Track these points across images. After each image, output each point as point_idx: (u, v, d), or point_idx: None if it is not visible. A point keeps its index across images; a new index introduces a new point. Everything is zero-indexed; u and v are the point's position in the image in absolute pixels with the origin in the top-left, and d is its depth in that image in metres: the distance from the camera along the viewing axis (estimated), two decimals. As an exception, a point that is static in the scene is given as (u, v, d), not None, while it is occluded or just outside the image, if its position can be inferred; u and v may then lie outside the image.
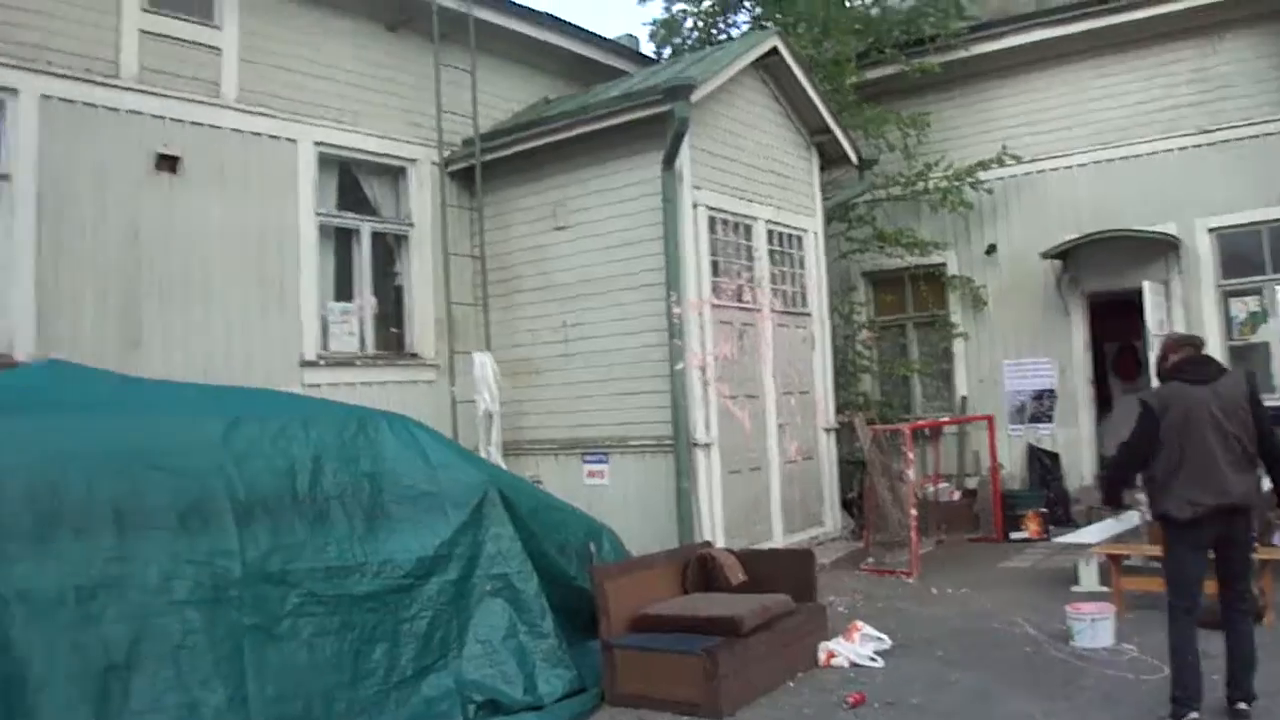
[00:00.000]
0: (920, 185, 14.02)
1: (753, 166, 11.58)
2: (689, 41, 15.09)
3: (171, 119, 9.73)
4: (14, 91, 8.79)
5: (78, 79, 9.15)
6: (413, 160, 11.77)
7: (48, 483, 5.29)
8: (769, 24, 13.37)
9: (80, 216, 9.11)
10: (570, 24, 13.27)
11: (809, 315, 12.31)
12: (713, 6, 15.03)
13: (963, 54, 14.20)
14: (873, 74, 14.48)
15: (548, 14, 12.98)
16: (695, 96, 10.23)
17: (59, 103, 9.01)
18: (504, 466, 10.36)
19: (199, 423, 6.21)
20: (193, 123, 9.89)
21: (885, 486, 11.69)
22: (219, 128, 10.07)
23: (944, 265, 14.68)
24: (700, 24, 15.21)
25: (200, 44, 10.08)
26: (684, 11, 15.19)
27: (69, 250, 9.01)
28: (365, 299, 11.30)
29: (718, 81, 10.75)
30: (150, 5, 9.72)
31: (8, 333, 8.63)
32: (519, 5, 12.72)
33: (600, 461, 10.83)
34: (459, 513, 6.65)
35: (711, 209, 10.83)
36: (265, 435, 6.24)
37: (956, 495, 13.50)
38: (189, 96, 9.89)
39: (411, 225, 11.78)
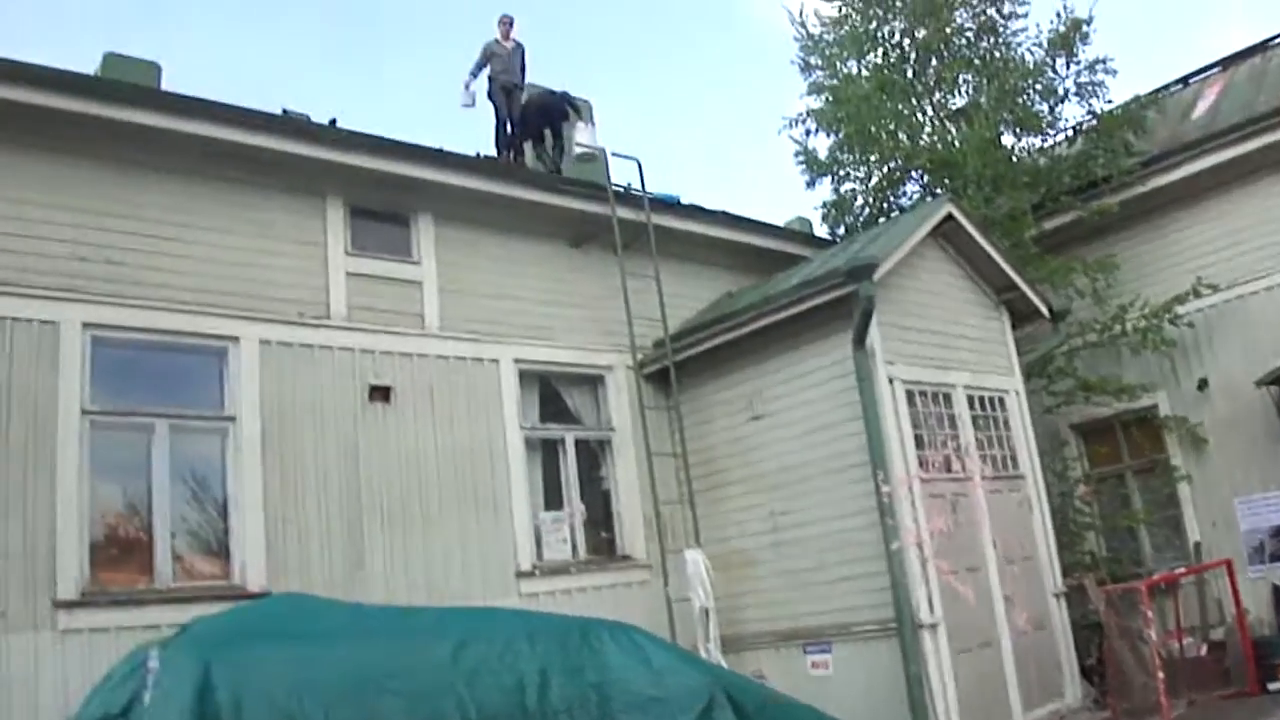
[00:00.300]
0: (1117, 329, 13.55)
1: (943, 334, 11.40)
2: (860, 219, 15.11)
3: (381, 352, 10.13)
4: (235, 339, 9.33)
5: (292, 323, 9.68)
6: (608, 367, 11.92)
7: (288, 714, 5.43)
8: (939, 191, 13.39)
9: (301, 450, 9.44)
10: (744, 218, 13.37)
11: (1021, 478, 11.84)
12: (881, 182, 15.04)
13: (1139, 189, 13.80)
14: (1050, 224, 14.19)
15: (721, 212, 13.12)
16: (878, 274, 10.21)
17: (277, 346, 9.51)
18: (725, 664, 10.07)
19: (427, 644, 6.30)
20: (400, 354, 10.26)
21: (1125, 649, 10.99)
22: (425, 356, 10.44)
23: (1155, 407, 13.96)
24: (870, 200, 15.21)
25: (401, 280, 10.56)
26: (852, 190, 15.24)
27: (293, 482, 9.32)
28: (574, 506, 11.39)
29: (898, 256, 10.74)
30: (353, 249, 10.30)
31: (241, 565, 8.93)
32: (693, 207, 12.94)
33: (823, 651, 10.51)
34: (687, 717, 6.52)
35: (907, 382, 10.67)
36: (492, 653, 6.29)
37: (1203, 650, 12.48)
38: (395, 330, 10.29)
39: (613, 430, 11.88)
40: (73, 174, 8.81)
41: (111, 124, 8.81)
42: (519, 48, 13.63)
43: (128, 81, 9.39)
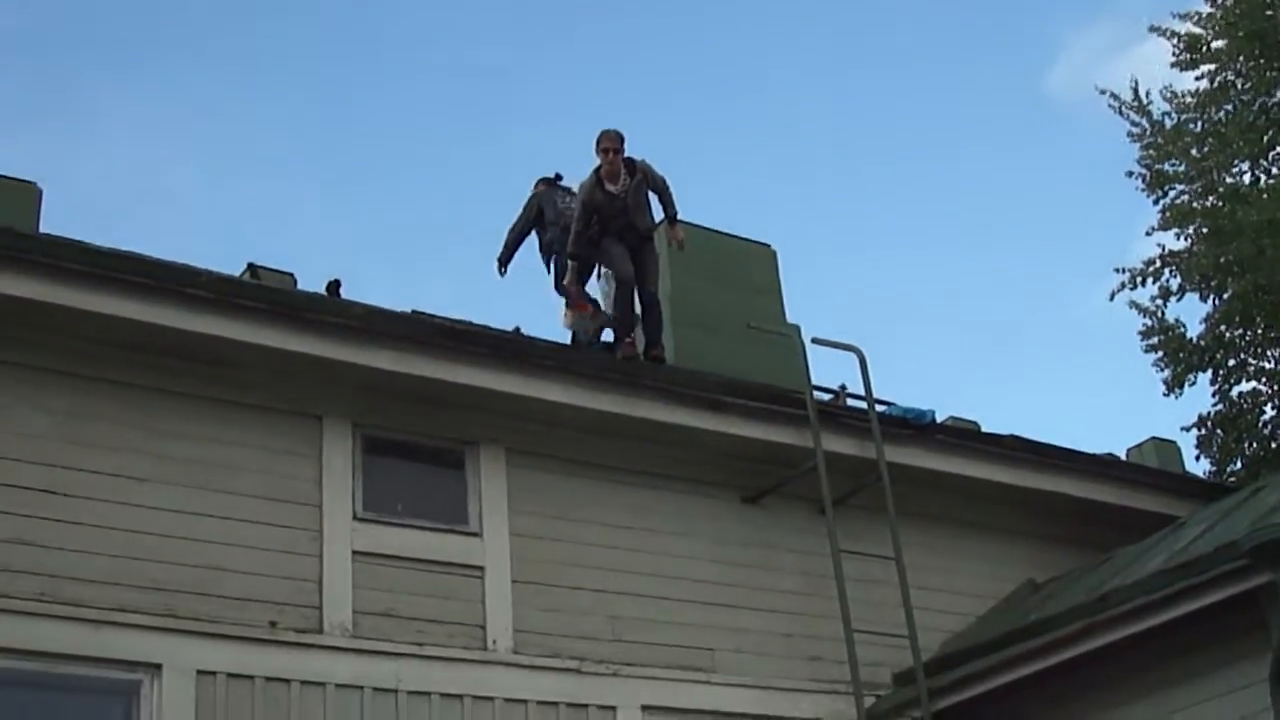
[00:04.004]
0: None
1: None
2: (1273, 444, 13.97)
3: (409, 692, 9.18)
4: (155, 667, 8.46)
5: (258, 640, 8.77)
6: (815, 721, 11.01)
7: None
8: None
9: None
10: (1052, 448, 12.22)
11: None
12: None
13: None
14: None
15: (1011, 438, 12.09)
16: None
17: (226, 680, 8.60)
18: None
19: None
20: (444, 695, 9.31)
21: None
22: (488, 699, 9.39)
23: None
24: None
25: (448, 564, 9.75)
26: (1254, 395, 14.14)
27: None
28: None
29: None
30: (366, 511, 9.52)
31: None
32: (960, 431, 12.33)
33: None
34: None
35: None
36: None
37: None
38: (436, 652, 9.33)
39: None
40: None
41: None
42: (632, 175, 12.00)
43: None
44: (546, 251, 12.86)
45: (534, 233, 13.02)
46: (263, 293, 9.57)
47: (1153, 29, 15.93)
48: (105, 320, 8.62)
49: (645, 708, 9.99)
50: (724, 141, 39.45)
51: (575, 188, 12.62)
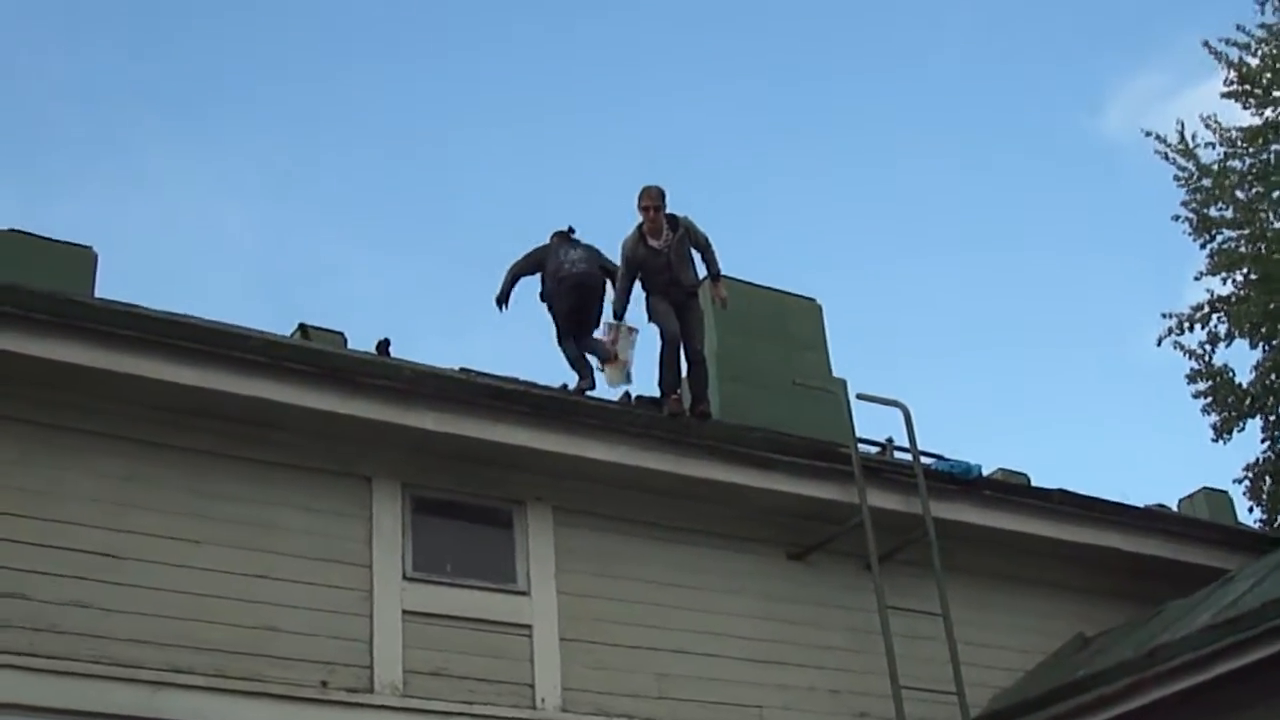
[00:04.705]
0: None
1: None
2: None
3: None
4: None
5: (309, 700, 8.87)
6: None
7: None
8: None
9: None
10: (1100, 501, 12.12)
11: None
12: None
13: None
14: None
15: (1059, 492, 11.97)
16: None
17: None
18: None
19: None
20: None
21: None
22: None
23: None
24: None
25: (497, 623, 9.77)
26: None
27: None
28: None
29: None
30: (416, 571, 9.60)
31: None
32: (1006, 486, 12.26)
33: None
34: None
35: None
36: None
37: None
38: (486, 711, 9.33)
39: None
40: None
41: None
42: (674, 231, 11.93)
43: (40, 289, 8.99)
44: (544, 300, 12.79)
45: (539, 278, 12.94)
46: (312, 356, 9.65)
47: (1207, 47, 15.31)
48: (158, 385, 8.70)
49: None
50: (767, 196, 39.30)
51: (585, 242, 12.59)
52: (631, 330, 12.27)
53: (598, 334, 12.56)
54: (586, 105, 39.89)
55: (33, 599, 8.23)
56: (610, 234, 12.28)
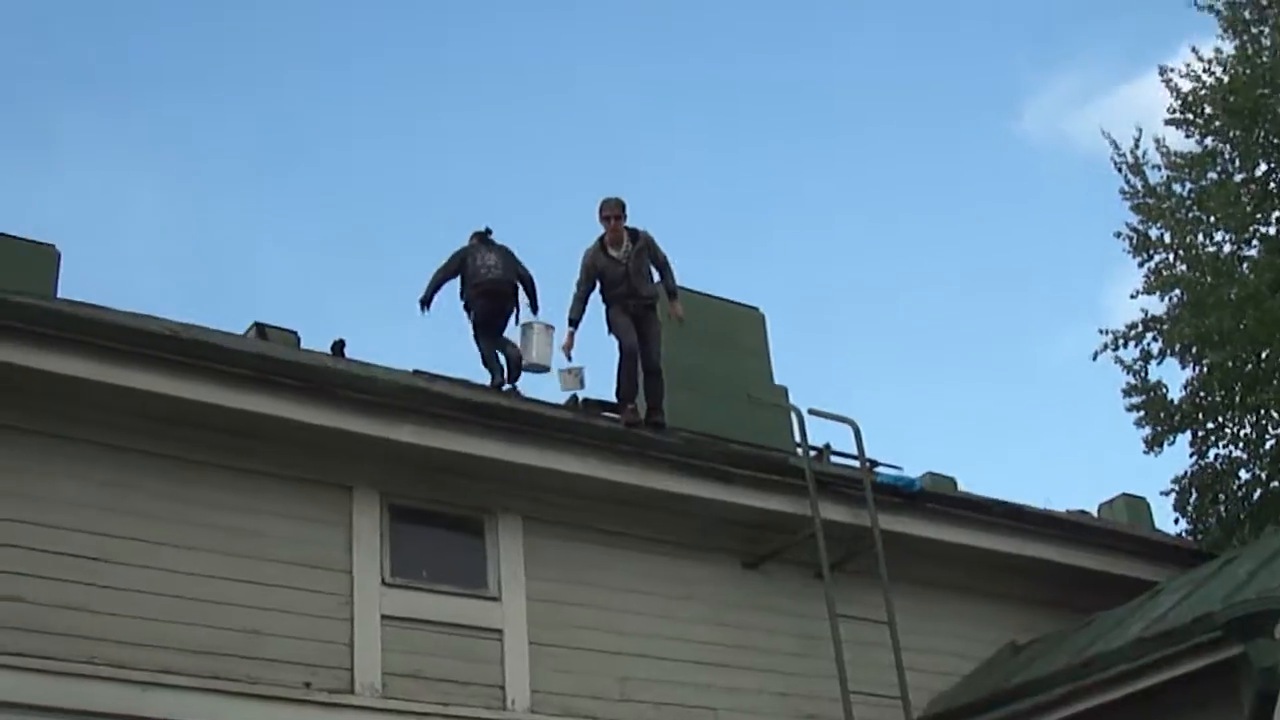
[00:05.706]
0: None
1: None
2: (1246, 510, 14.01)
3: None
4: None
5: (293, 701, 8.99)
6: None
7: None
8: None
9: None
10: (1032, 511, 12.47)
11: None
12: None
13: None
14: None
15: (995, 503, 12.32)
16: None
17: None
18: None
19: None
20: None
21: None
22: None
23: None
24: (1263, 476, 14.15)
25: (469, 627, 9.91)
26: (1227, 458, 14.19)
27: None
28: None
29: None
30: (394, 576, 9.72)
31: None
32: (947, 498, 12.40)
33: None
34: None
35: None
36: None
37: None
38: (458, 712, 9.48)
39: None
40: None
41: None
42: (634, 242, 12.29)
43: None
44: (462, 299, 13.04)
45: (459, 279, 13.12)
46: (298, 370, 9.73)
47: (1161, 71, 15.16)
48: (149, 397, 8.82)
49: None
50: (709, 208, 38.95)
51: (500, 244, 12.86)
52: (549, 328, 12.48)
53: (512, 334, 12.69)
54: (517, 96, 39.23)
55: (26, 601, 8.26)
56: (526, 234, 13.00)
